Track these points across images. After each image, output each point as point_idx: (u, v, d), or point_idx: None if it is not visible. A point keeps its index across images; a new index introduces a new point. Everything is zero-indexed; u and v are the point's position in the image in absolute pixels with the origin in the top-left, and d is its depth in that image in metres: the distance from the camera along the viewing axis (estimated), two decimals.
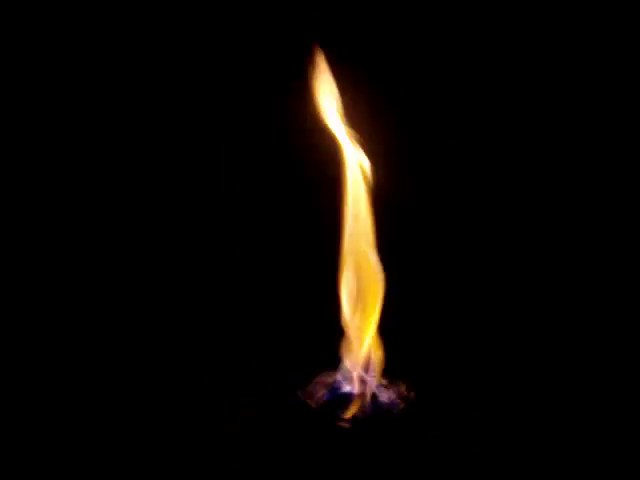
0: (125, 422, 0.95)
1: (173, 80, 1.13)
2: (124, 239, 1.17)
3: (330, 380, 0.94)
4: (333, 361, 0.95)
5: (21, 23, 1.09)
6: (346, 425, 0.88)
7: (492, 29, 1.10)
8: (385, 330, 0.94)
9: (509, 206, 1.16)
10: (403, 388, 0.93)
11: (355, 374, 0.93)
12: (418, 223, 1.15)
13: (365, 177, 0.92)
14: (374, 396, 0.92)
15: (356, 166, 0.93)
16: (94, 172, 1.15)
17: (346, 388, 0.93)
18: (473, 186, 1.16)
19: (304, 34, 1.03)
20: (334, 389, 0.93)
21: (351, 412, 0.89)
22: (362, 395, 0.92)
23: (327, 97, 0.92)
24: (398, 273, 1.13)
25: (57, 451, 0.89)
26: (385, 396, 0.91)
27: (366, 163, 0.92)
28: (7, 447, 0.90)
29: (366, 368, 0.93)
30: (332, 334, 0.96)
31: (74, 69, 1.11)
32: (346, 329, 0.94)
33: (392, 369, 0.96)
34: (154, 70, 1.12)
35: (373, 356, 0.94)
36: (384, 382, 0.94)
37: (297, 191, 1.15)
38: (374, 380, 0.92)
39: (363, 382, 0.92)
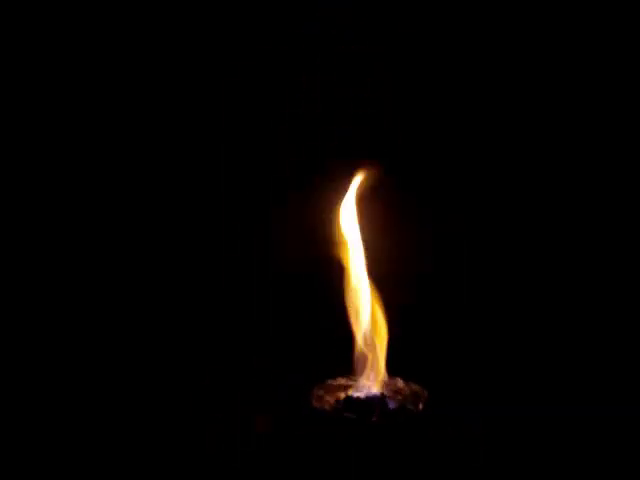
0: (125, 422, 0.95)
1: (174, 81, 1.13)
2: (124, 239, 1.17)
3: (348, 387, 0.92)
4: (333, 362, 0.95)
5: (21, 23, 1.09)
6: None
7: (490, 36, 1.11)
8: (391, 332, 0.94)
9: (508, 208, 1.16)
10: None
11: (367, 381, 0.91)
12: (422, 228, 1.15)
13: None
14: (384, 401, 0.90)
15: None
16: (94, 173, 1.14)
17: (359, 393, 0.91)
18: (470, 191, 1.16)
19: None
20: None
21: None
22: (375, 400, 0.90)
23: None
24: (399, 276, 1.14)
25: (57, 451, 0.89)
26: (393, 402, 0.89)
27: None
28: (7, 447, 0.90)
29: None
30: (331, 334, 0.96)
31: (75, 70, 1.11)
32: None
33: (395, 370, 0.96)
34: (154, 71, 1.12)
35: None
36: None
37: (297, 191, 1.15)
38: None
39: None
